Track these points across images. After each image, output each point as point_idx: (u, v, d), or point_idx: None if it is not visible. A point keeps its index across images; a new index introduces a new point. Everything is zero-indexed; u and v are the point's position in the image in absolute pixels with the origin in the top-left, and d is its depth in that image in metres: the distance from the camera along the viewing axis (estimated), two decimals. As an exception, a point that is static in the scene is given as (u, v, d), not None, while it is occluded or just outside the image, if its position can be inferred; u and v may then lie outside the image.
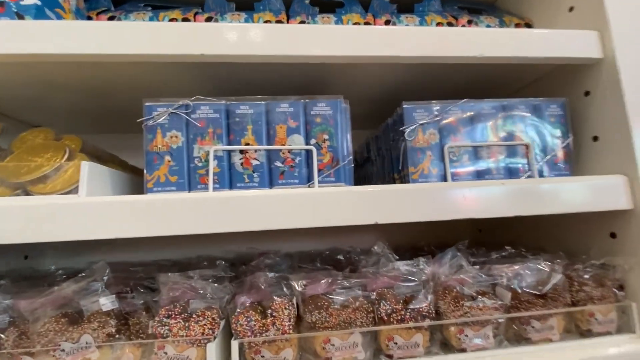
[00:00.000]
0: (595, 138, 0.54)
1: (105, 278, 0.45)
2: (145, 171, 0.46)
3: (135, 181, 0.57)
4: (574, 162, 0.55)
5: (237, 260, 0.72)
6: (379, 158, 0.66)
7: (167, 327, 0.43)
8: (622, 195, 0.49)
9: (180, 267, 0.68)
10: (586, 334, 0.48)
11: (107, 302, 0.44)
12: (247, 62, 0.48)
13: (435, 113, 0.52)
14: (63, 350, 0.42)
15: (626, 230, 0.50)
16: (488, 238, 0.87)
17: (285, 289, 0.46)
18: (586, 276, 0.49)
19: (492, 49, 0.50)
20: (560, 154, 0.54)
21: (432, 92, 0.67)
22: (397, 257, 0.53)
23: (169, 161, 0.46)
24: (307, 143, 0.49)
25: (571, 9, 0.57)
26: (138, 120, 0.47)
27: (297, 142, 0.48)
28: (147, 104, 0.47)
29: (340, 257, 0.68)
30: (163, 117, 0.47)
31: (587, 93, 0.55)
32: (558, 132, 0.54)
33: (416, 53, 0.47)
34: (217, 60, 0.46)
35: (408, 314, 0.44)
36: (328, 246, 0.87)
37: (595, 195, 0.48)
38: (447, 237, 0.87)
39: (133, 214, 0.42)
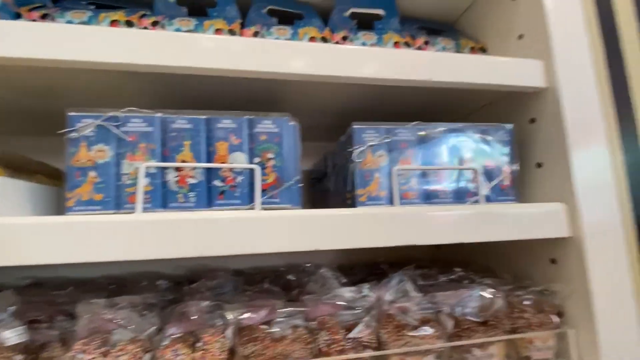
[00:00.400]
0: (539, 165, 0.55)
1: (12, 308, 0.40)
2: (65, 188, 0.42)
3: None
4: (520, 188, 0.56)
5: (185, 278, 0.68)
6: (334, 174, 0.64)
7: (81, 364, 0.38)
8: (562, 223, 0.50)
9: (117, 286, 0.63)
10: (525, 361, 0.48)
11: (12, 336, 0.39)
12: (190, 73, 0.45)
13: (385, 135, 0.51)
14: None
15: (565, 257, 0.51)
16: (445, 255, 0.87)
17: (219, 319, 0.43)
18: (526, 302, 0.49)
19: (441, 74, 0.49)
20: (506, 179, 0.54)
21: (387, 112, 0.66)
22: (345, 281, 0.51)
23: (94, 177, 0.42)
24: (251, 162, 0.46)
25: (521, 36, 0.59)
26: (58, 132, 0.42)
27: (240, 161, 0.46)
28: (70, 114, 0.43)
29: (292, 276, 0.66)
30: (89, 130, 0.43)
31: (532, 120, 0.57)
32: (505, 158, 0.55)
33: (363, 74, 0.46)
34: (150, 71, 0.43)
35: (348, 344, 0.43)
36: (286, 261, 0.84)
37: (536, 222, 0.49)
38: (407, 253, 0.87)
39: (49, 237, 0.37)
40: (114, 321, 0.41)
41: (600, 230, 0.49)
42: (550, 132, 0.53)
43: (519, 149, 0.58)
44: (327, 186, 0.72)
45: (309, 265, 0.74)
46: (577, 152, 0.51)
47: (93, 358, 0.39)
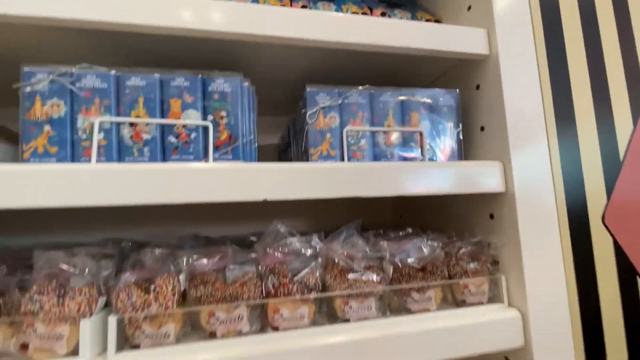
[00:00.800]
0: (482, 128, 0.59)
1: (-32, 253, 0.42)
2: (20, 141, 0.43)
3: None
4: (465, 150, 0.60)
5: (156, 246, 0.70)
6: (295, 141, 0.67)
7: (38, 304, 0.41)
8: (498, 179, 0.54)
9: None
10: (461, 304, 0.53)
11: (-32, 279, 0.41)
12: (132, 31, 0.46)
13: (337, 97, 0.54)
14: None
15: (500, 211, 0.55)
16: (408, 223, 0.92)
17: (172, 266, 0.45)
18: (462, 251, 0.53)
19: (388, 39, 0.52)
20: (451, 142, 0.58)
21: (349, 81, 0.69)
22: (296, 234, 0.54)
23: (49, 131, 0.44)
24: (205, 119, 0.48)
25: (469, 7, 0.62)
26: (14, 86, 0.44)
27: (193, 118, 0.48)
28: (25, 69, 0.44)
29: (254, 238, 0.68)
30: (43, 84, 0.44)
31: (477, 86, 0.60)
32: (450, 122, 0.58)
33: (311, 36, 0.49)
34: (102, 28, 0.44)
35: (295, 287, 0.46)
36: (258, 229, 0.87)
37: (475, 178, 0.53)
38: (372, 220, 0.91)
39: (6, 183, 0.39)
40: (70, 266, 0.43)
41: (532, 187, 0.53)
42: (491, 97, 0.57)
43: (467, 114, 0.61)
44: (290, 155, 0.75)
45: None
46: (514, 115, 0.55)
47: (50, 298, 0.41)
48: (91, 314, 0.42)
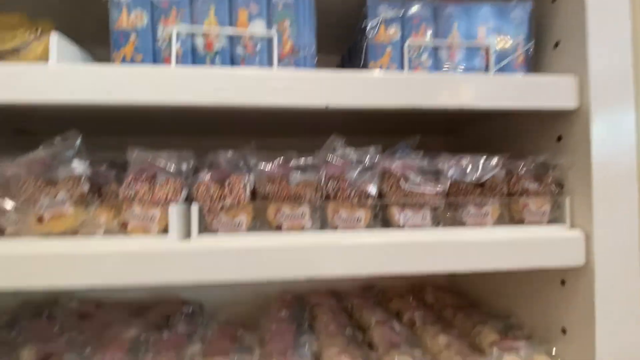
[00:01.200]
0: (557, 44, 0.55)
1: (77, 144, 0.49)
2: (111, 49, 0.48)
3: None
4: (535, 69, 0.57)
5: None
6: (349, 64, 0.67)
7: (133, 190, 0.47)
8: (571, 94, 0.50)
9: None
10: (518, 223, 0.52)
11: (79, 166, 0.48)
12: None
13: (399, 9, 0.53)
14: (42, 205, 0.47)
15: (570, 131, 0.52)
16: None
17: (243, 166, 0.50)
18: (524, 170, 0.52)
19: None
20: (520, 58, 0.55)
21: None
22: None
23: (134, 39, 0.48)
24: (269, 30, 0.50)
25: None
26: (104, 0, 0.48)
27: (259, 28, 0.50)
28: (112, -18, 0.48)
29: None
30: (128, -6, 0.48)
31: (555, -1, 0.55)
32: (520, 36, 0.54)
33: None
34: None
35: (353, 192, 0.49)
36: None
37: (545, 92, 0.50)
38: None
39: (100, 81, 0.44)
40: (158, 163, 0.49)
41: (609, 103, 0.49)
42: (570, 9, 0.52)
43: (540, 28, 0.57)
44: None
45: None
46: (596, 26, 0.49)
47: (143, 186, 0.47)
48: (177, 202, 0.48)
